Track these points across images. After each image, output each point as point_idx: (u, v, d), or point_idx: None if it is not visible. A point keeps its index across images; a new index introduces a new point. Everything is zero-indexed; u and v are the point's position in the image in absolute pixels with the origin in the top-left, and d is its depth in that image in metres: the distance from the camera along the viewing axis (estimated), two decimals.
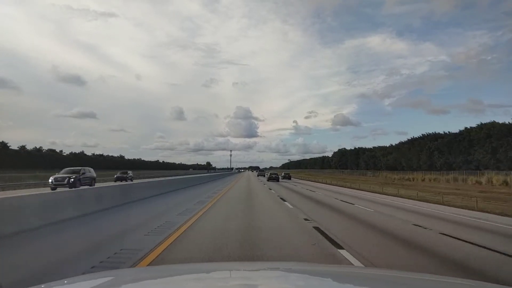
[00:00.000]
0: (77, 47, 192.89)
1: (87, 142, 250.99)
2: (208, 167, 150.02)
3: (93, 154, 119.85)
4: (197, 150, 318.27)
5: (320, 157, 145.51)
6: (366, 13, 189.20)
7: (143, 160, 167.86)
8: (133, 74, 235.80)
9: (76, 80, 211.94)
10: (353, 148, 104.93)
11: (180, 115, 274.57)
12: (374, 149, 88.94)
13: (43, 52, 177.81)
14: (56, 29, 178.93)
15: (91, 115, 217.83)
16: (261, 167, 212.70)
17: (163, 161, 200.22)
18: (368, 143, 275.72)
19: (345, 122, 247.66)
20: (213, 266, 3.04)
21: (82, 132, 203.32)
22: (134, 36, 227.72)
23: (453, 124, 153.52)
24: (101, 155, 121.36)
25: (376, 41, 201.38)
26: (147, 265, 4.61)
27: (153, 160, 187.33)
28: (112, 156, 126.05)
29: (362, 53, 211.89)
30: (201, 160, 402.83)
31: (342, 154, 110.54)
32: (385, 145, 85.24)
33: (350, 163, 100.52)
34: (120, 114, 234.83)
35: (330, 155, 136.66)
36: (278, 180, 44.15)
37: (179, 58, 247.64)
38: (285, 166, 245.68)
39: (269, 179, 44.80)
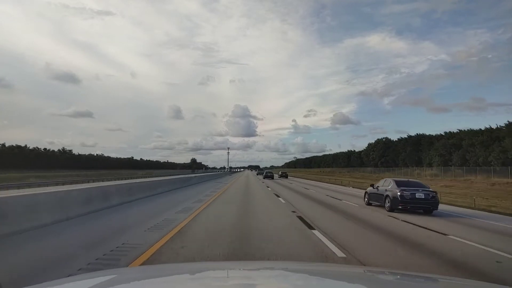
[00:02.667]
0: (74, 46, 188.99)
1: (85, 142, 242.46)
2: (193, 166, 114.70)
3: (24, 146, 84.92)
4: (196, 149, 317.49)
5: (343, 153, 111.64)
6: (365, 12, 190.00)
7: (108, 156, 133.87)
8: (131, 73, 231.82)
9: (72, 79, 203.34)
10: (407, 136, 71.66)
11: (178, 114, 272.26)
12: (457, 134, 55.71)
13: (39, 51, 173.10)
14: (52, 27, 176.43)
15: (88, 114, 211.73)
16: (261, 167, 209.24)
17: (141, 158, 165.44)
18: (367, 143, 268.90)
19: (344, 121, 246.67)
20: (213, 265, 2.99)
21: (80, 131, 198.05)
22: (132, 35, 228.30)
23: (454, 123, 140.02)
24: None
25: (376, 40, 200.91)
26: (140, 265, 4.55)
27: (124, 157, 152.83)
28: (53, 150, 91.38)
29: (361, 52, 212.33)
30: (200, 159, 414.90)
31: (385, 146, 77.42)
32: (475, 128, 52.39)
33: (405, 159, 67.40)
34: (118, 113, 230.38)
35: (349, 151, 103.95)
36: (272, 178, 49.17)
37: (177, 58, 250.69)
38: (291, 165, 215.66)
39: (265, 177, 49.66)
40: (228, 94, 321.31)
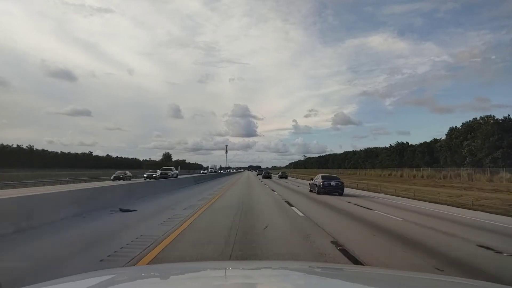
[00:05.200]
0: (73, 43, 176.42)
1: (85, 141, 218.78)
2: (166, 164, 79.90)
3: None
4: (196, 149, 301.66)
5: (392, 148, 76.98)
6: (367, 12, 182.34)
7: (44, 149, 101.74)
8: (131, 72, 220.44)
9: (70, 77, 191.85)
10: None
11: (178, 113, 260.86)
12: None
13: (36, 48, 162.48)
14: (51, 24, 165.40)
15: (87, 113, 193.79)
16: (262, 167, 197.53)
17: (107, 155, 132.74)
18: (369, 143, 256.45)
19: (345, 121, 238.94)
20: (213, 265, 2.95)
21: (79, 130, 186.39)
22: (132, 33, 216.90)
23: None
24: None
25: (377, 41, 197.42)
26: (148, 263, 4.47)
27: (89, 153, 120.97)
28: None
29: (363, 52, 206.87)
30: (200, 159, 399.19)
31: (501, 129, 43.71)
32: None
33: None
34: (118, 112, 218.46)
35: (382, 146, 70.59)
36: (270, 177, 53.24)
37: (178, 57, 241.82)
38: (299, 165, 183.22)
39: (264, 176, 54.42)
40: (228, 93, 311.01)
